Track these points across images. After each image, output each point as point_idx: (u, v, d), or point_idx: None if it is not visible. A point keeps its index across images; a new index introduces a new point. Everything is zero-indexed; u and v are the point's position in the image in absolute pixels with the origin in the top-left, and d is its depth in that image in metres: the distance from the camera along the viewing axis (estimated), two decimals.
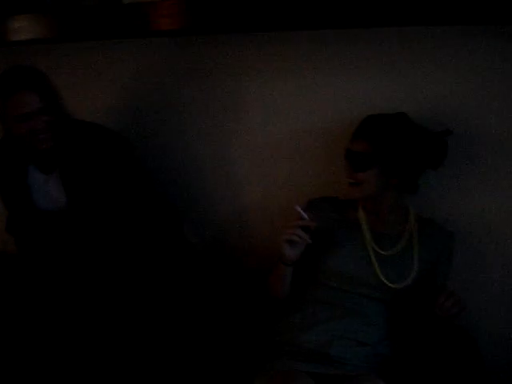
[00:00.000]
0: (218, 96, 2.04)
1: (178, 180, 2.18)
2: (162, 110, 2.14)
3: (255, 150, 2.05)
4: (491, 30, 1.64)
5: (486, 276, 1.83)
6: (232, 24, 1.74)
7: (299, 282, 1.73)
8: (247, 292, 1.88)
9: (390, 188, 1.67)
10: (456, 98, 1.74)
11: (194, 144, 2.12)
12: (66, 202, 1.89)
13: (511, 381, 1.82)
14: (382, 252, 1.67)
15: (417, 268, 1.65)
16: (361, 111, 1.73)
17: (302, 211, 1.63)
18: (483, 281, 1.83)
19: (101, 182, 1.87)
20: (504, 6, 1.43)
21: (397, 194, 1.70)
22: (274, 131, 2.00)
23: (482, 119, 1.73)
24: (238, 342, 1.77)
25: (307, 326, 1.66)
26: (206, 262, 2.08)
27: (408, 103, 1.77)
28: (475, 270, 1.83)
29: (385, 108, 1.73)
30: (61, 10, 1.87)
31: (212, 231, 2.17)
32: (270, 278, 1.75)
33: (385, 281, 1.64)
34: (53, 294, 1.91)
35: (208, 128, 2.09)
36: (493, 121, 1.72)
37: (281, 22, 1.68)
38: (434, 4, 1.50)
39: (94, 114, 2.12)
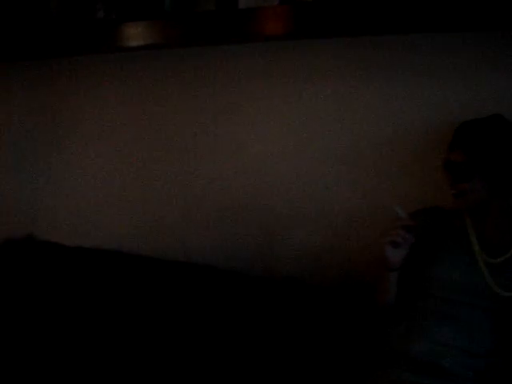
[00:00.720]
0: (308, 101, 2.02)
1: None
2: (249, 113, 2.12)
3: (343, 159, 1.99)
4: None
5: None
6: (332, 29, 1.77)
7: (404, 291, 1.69)
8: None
9: (496, 193, 1.62)
10: None
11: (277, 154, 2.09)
12: None
13: None
14: (491, 259, 1.61)
15: None
16: (449, 118, 1.74)
17: (400, 210, 1.60)
18: None
19: None
20: None
21: (503, 199, 1.63)
22: (361, 139, 1.95)
23: None
24: (349, 349, 1.76)
25: (414, 337, 1.61)
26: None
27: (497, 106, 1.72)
28: None
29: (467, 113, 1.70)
30: (177, 16, 1.92)
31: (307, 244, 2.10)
32: (375, 287, 1.72)
33: (495, 289, 1.58)
34: None
35: (298, 135, 2.04)
36: None
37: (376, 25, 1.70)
38: None
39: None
